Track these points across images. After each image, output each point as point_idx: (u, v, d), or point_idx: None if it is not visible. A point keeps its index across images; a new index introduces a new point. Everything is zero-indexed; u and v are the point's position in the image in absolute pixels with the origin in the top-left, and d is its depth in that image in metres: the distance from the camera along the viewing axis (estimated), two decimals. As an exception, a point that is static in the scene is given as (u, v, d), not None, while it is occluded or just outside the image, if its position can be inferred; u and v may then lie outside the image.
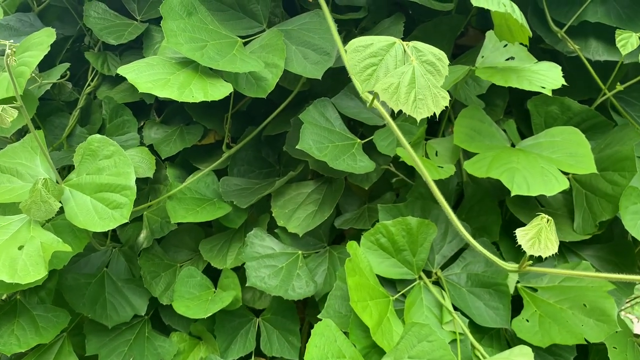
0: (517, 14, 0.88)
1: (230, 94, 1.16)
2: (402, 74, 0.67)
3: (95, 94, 1.54)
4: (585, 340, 1.02)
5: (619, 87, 1.16)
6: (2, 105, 0.91)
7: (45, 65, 1.50)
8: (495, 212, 1.22)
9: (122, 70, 0.98)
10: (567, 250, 1.21)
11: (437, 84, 0.69)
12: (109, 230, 1.41)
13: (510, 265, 0.92)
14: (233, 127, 1.44)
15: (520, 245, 1.22)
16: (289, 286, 1.25)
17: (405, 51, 0.69)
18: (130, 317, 1.38)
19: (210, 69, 1.03)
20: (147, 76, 0.96)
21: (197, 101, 0.95)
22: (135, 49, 1.49)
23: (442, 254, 1.19)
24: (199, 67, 1.02)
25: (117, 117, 1.46)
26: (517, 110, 1.39)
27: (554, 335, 1.03)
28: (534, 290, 1.13)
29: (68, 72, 1.45)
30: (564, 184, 0.96)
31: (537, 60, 1.04)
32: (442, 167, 1.08)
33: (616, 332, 1.14)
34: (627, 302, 1.49)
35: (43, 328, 1.25)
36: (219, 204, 1.34)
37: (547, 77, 0.95)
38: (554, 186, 0.95)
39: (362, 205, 1.36)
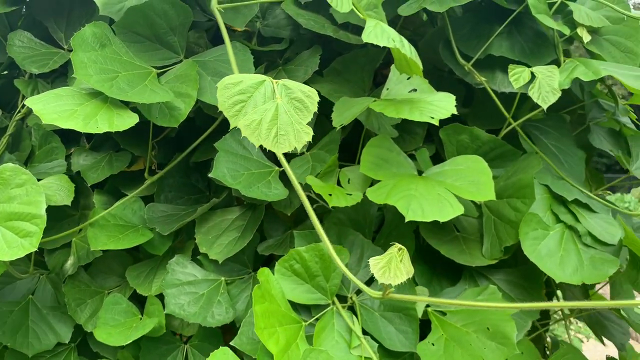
0: (407, 48, 0.93)
1: (149, 122, 1.19)
2: (265, 111, 0.71)
3: (26, 121, 1.54)
4: (484, 362, 1.05)
5: (522, 119, 1.22)
6: None
7: (-24, 91, 1.51)
8: (410, 238, 1.25)
9: (30, 102, 1.00)
10: (477, 274, 1.24)
11: (302, 120, 0.72)
12: (32, 257, 1.42)
13: (375, 292, 0.95)
14: (162, 154, 1.46)
15: (433, 269, 1.27)
16: (208, 313, 1.26)
17: (274, 89, 0.73)
18: (53, 345, 1.37)
19: (120, 100, 1.05)
20: (53, 107, 0.98)
21: (101, 132, 0.97)
22: (66, 76, 1.50)
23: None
24: (108, 98, 1.04)
25: (46, 144, 1.46)
26: (438, 138, 1.44)
27: (456, 359, 1.06)
28: (443, 314, 1.17)
29: (-5, 100, 1.45)
30: (459, 210, 1.00)
31: (436, 92, 1.09)
32: (350, 195, 1.11)
33: (522, 354, 1.18)
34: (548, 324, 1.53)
35: (-42, 358, 1.23)
36: (143, 230, 1.35)
37: (439, 107, 1.00)
38: (448, 212, 0.99)
39: (287, 231, 1.39)
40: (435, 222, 1.29)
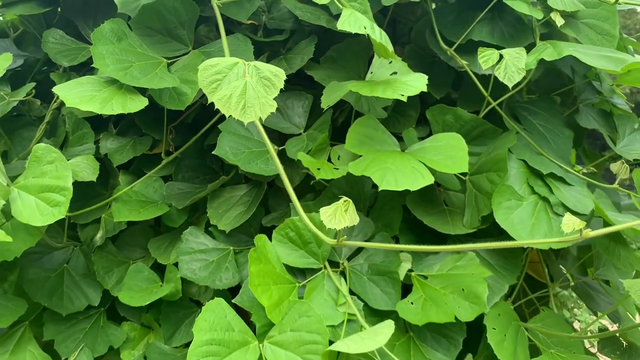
0: (377, 34, 1.04)
1: (164, 108, 1.34)
2: (234, 88, 0.84)
3: (61, 110, 1.72)
4: (456, 318, 1.16)
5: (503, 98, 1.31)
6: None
7: (19, 84, 1.70)
8: (398, 211, 1.37)
9: (56, 89, 1.16)
10: (460, 242, 1.34)
11: (268, 95, 0.85)
12: (65, 230, 1.60)
13: (330, 240, 1.07)
14: (179, 138, 1.61)
15: (419, 239, 1.38)
16: (216, 277, 1.40)
17: (245, 70, 0.86)
18: (84, 307, 1.54)
19: (134, 86, 1.20)
20: (75, 93, 1.14)
21: (115, 113, 1.12)
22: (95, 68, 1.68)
23: (349, 246, 1.34)
24: (123, 85, 1.20)
25: (78, 130, 1.64)
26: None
27: (431, 315, 1.17)
28: (425, 277, 1.28)
29: (34, 90, 1.63)
30: (429, 180, 1.11)
31: (412, 73, 1.20)
32: (337, 169, 1.23)
33: (499, 315, 1.28)
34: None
35: (3, 316, 1.42)
36: (161, 205, 1.51)
37: (411, 85, 1.11)
38: (419, 182, 1.10)
39: (288, 206, 1.52)
40: (425, 197, 1.41)
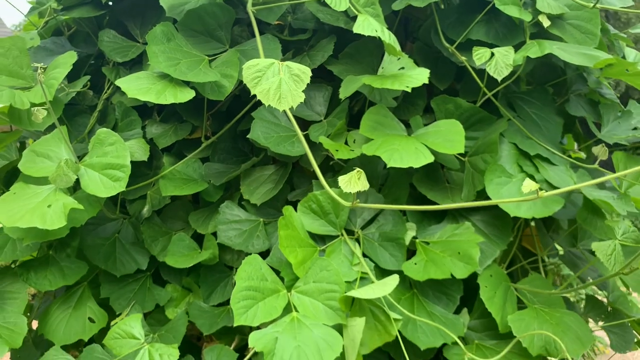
0: (386, 36, 1.25)
1: (205, 98, 1.57)
2: (272, 83, 1.06)
3: (111, 100, 1.96)
4: (453, 276, 1.37)
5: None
6: (36, 107, 1.33)
7: (73, 77, 1.94)
8: (405, 188, 1.58)
9: (119, 82, 1.40)
10: (459, 215, 1.55)
11: (298, 88, 1.07)
12: (118, 204, 1.85)
13: (347, 203, 1.29)
14: (216, 124, 1.85)
15: (424, 212, 1.59)
16: (249, 243, 1.64)
17: (279, 68, 1.08)
18: (134, 270, 1.79)
19: (182, 80, 1.43)
20: (134, 85, 1.38)
21: (169, 103, 1.35)
22: (141, 64, 1.91)
23: (363, 217, 1.56)
24: (173, 79, 1.43)
25: (126, 118, 1.87)
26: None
27: (431, 273, 1.38)
28: (427, 243, 1.49)
29: (89, 82, 1.88)
30: (430, 159, 1.32)
31: (417, 68, 1.41)
32: (352, 150, 1.45)
33: (491, 276, 1.49)
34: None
35: (67, 274, 1.67)
36: (200, 182, 1.74)
37: (415, 78, 1.32)
38: (421, 160, 1.31)
39: (311, 183, 1.74)
40: (430, 176, 1.62)
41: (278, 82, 1.07)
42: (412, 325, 1.37)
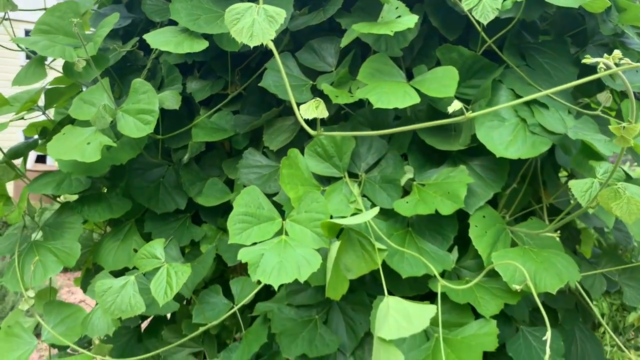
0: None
1: (230, 55, 1.73)
2: (246, 22, 1.20)
3: (159, 59, 2.19)
4: (437, 211, 1.46)
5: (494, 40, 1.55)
6: (78, 57, 1.56)
7: (128, 39, 2.19)
8: (409, 136, 1.67)
9: (146, 36, 1.60)
10: (458, 160, 1.62)
11: (271, 28, 1.20)
12: (160, 150, 2.08)
13: (314, 132, 1.41)
14: (245, 79, 2.02)
15: (426, 157, 1.67)
16: (267, 186, 1.80)
17: (257, 10, 1.21)
18: (173, 209, 2.02)
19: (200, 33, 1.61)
20: (159, 38, 1.57)
21: (184, 52, 1.54)
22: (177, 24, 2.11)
23: (367, 162, 1.67)
24: (192, 32, 1.60)
25: (170, 75, 2.09)
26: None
27: (418, 209, 1.48)
28: (423, 185, 1.58)
29: (137, 43, 2.10)
30: (416, 100, 1.41)
31: (410, 15, 1.49)
32: (352, 95, 1.56)
33: (483, 217, 1.55)
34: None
35: (114, 209, 1.92)
36: (228, 131, 1.93)
37: (402, 24, 1.40)
38: (407, 102, 1.40)
39: (326, 132, 1.87)
40: (435, 128, 1.69)
41: (251, 22, 1.21)
42: (399, 257, 1.48)
